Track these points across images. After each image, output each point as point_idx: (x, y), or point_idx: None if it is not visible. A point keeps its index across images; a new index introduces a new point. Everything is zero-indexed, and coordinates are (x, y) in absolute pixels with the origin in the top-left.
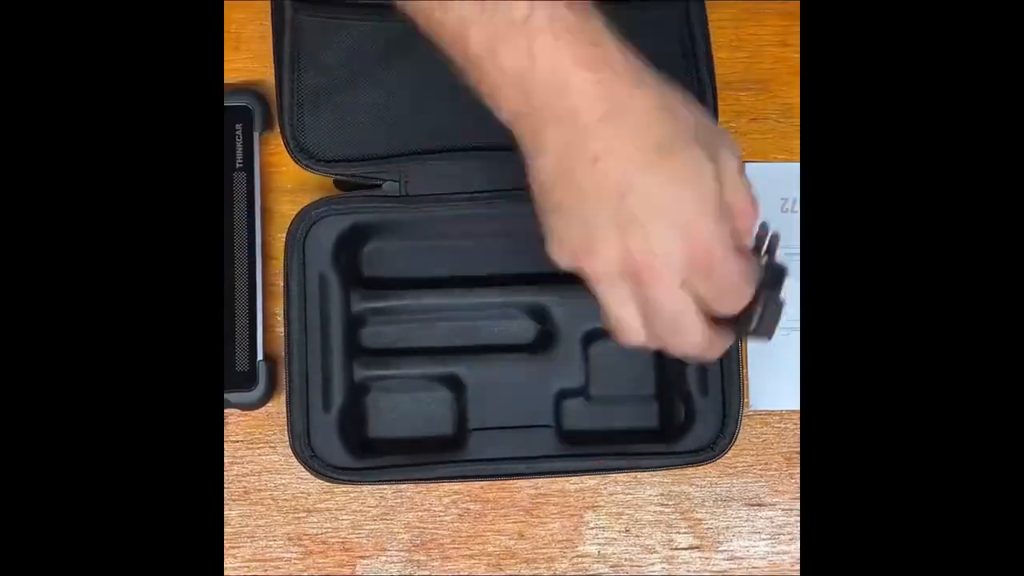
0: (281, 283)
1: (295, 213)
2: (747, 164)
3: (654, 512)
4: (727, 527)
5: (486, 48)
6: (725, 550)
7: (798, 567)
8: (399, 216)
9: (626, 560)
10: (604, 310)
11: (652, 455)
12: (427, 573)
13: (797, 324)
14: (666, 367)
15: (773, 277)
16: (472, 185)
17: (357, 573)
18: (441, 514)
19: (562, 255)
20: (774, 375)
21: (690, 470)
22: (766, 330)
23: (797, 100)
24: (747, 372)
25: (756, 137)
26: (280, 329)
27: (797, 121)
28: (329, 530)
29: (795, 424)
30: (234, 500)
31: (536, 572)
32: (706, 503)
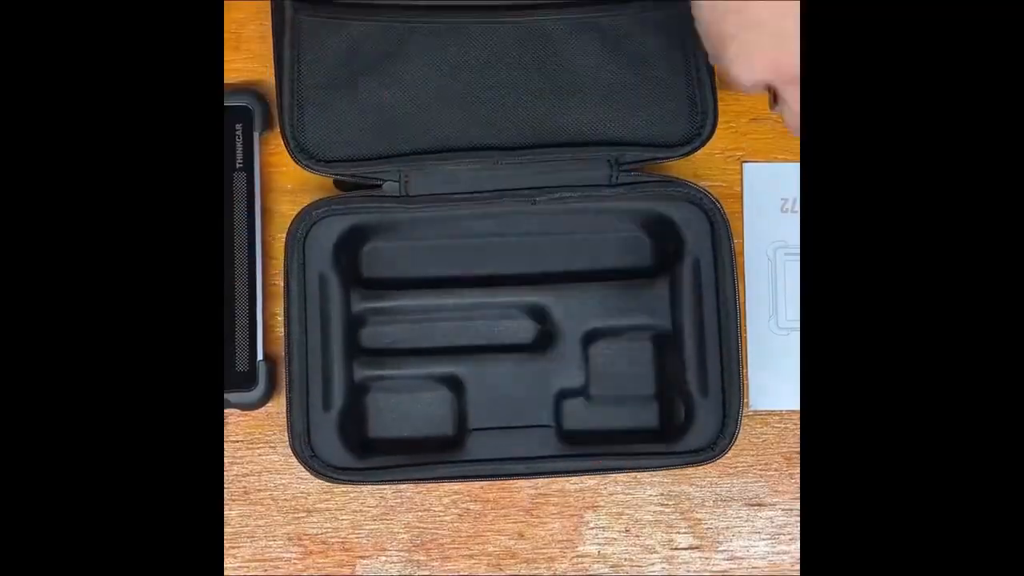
0: (281, 283)
1: (295, 213)
2: (747, 164)
3: (654, 512)
4: (727, 527)
5: None
6: (725, 550)
7: (798, 567)
8: (399, 216)
9: (626, 560)
10: (794, 108)
11: (652, 455)
12: (427, 573)
13: (797, 324)
14: (666, 366)
15: None
16: (472, 185)
17: (357, 573)
18: (441, 514)
19: (756, 67)
20: (774, 375)
21: (690, 470)
22: None
23: None
24: (747, 372)
25: (756, 137)
26: (280, 329)
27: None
28: (329, 530)
29: (795, 424)
30: (234, 500)
31: (536, 572)
32: (706, 503)
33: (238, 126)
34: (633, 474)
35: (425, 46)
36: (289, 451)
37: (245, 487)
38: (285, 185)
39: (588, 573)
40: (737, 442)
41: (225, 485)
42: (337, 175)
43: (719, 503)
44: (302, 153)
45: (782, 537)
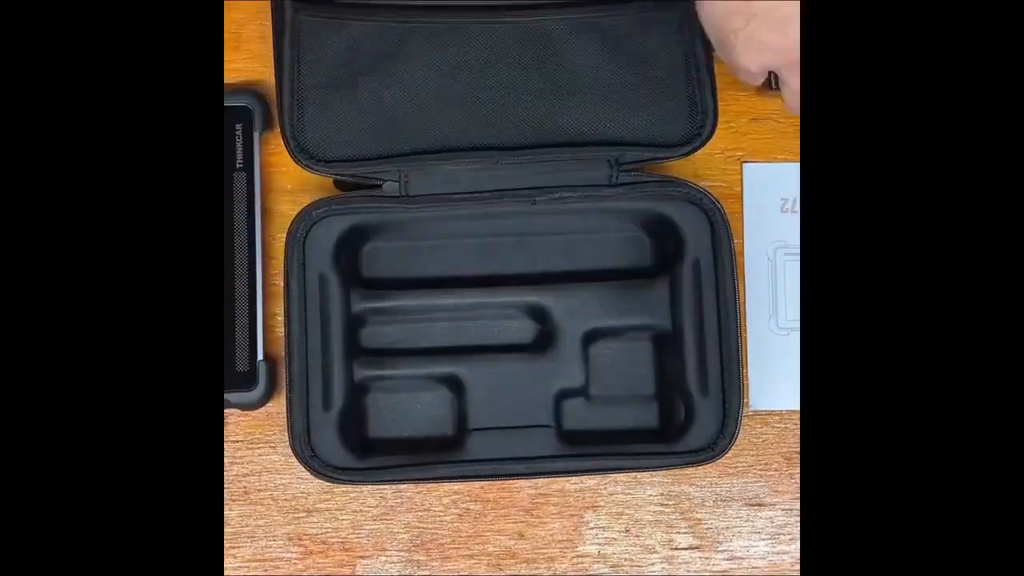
0: (281, 283)
1: (295, 213)
2: (747, 164)
3: (654, 512)
4: (727, 527)
5: None
6: (725, 550)
7: (798, 567)
8: (399, 216)
9: (626, 560)
10: (794, 87)
11: (652, 455)
12: (427, 573)
13: (797, 324)
14: (666, 366)
15: None
16: (472, 185)
17: (357, 573)
18: (441, 514)
19: (763, 55)
20: (774, 375)
21: (690, 470)
22: None
23: None
24: (747, 372)
25: (756, 137)
26: (280, 329)
27: (797, 121)
28: (329, 530)
29: (795, 424)
30: (234, 500)
31: (536, 572)
32: (706, 503)
33: (238, 126)
34: (633, 474)
35: (425, 46)
36: (289, 451)
37: (245, 487)
38: (285, 185)
39: (588, 573)
40: (737, 442)
41: (225, 485)
42: (337, 175)
43: (719, 503)
44: (302, 153)
45: (782, 537)
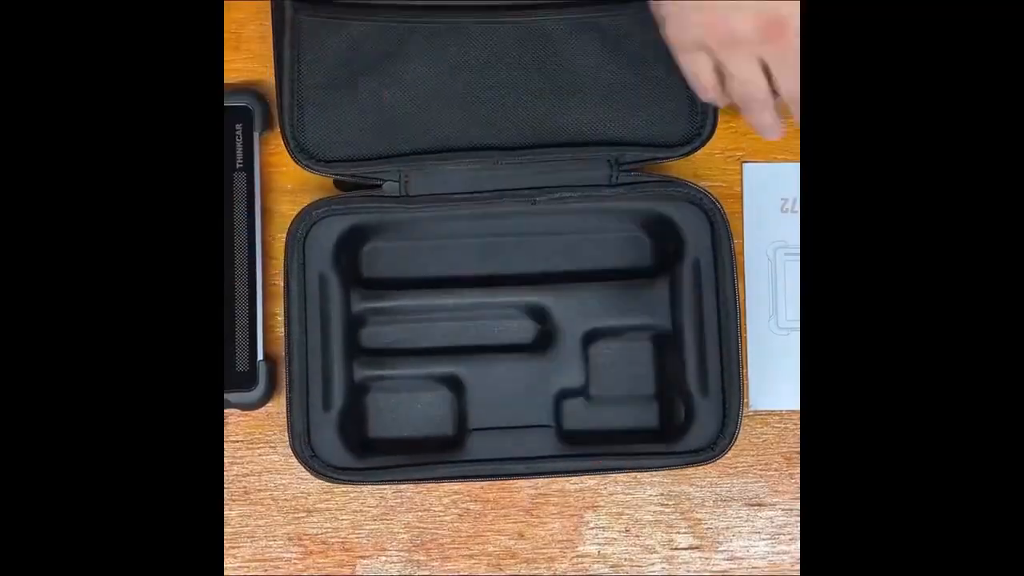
0: (281, 283)
1: (295, 213)
2: (747, 164)
3: (654, 512)
4: (727, 527)
5: None
6: (725, 550)
7: (798, 567)
8: (399, 216)
9: (626, 560)
10: (739, 76)
11: (652, 455)
12: (427, 573)
13: (797, 324)
14: (666, 366)
15: None
16: (472, 185)
17: (357, 573)
18: (441, 514)
19: (691, 29)
20: (774, 375)
21: (690, 470)
22: None
23: None
24: (747, 372)
25: (756, 137)
26: (280, 329)
27: (797, 121)
28: (329, 530)
29: (795, 424)
30: (234, 500)
31: (536, 572)
32: (706, 503)
33: (238, 126)
34: (633, 474)
35: (425, 46)
36: (289, 451)
37: (245, 487)
38: (285, 185)
39: (588, 573)
40: (737, 442)
41: (225, 485)
42: (337, 175)
43: (719, 503)
44: (302, 153)
45: (782, 537)
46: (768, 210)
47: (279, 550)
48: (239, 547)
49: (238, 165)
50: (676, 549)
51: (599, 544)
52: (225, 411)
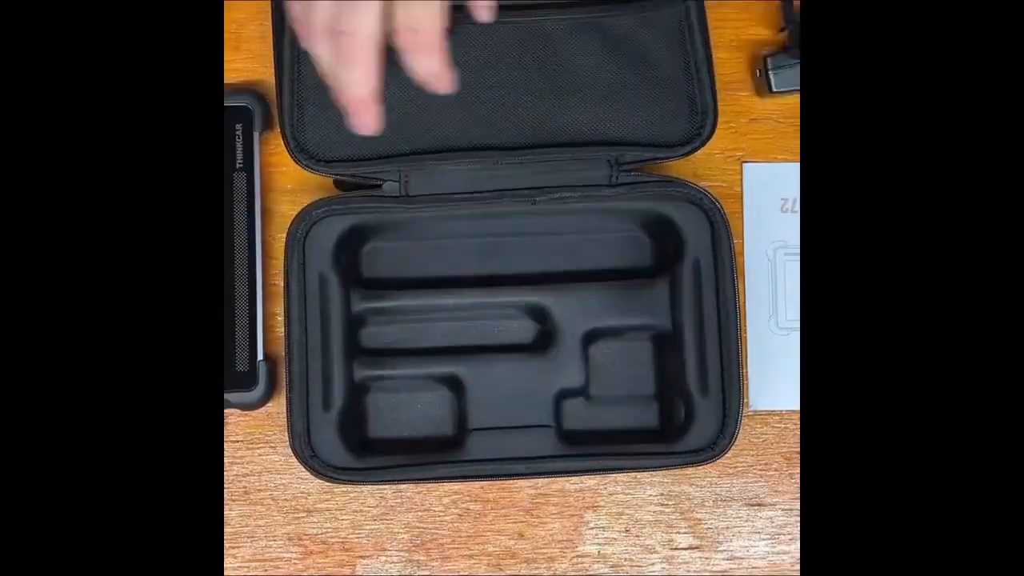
0: (281, 283)
1: (295, 213)
2: (747, 164)
3: (654, 512)
4: (727, 527)
5: None
6: (725, 550)
7: (798, 567)
8: (399, 216)
9: (626, 560)
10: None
11: (652, 455)
12: (427, 573)
13: (797, 324)
14: (666, 366)
15: None
16: (472, 185)
17: (357, 573)
18: (441, 514)
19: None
20: (774, 375)
21: (690, 470)
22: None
23: (797, 100)
24: (747, 372)
25: (756, 137)
26: (280, 329)
27: (797, 121)
28: (329, 530)
29: (795, 424)
30: (234, 500)
31: (536, 572)
32: (706, 503)
33: (238, 126)
34: (633, 474)
35: None
36: (289, 451)
37: (245, 487)
38: (285, 185)
39: (588, 573)
40: (737, 442)
41: (225, 485)
42: (337, 175)
43: (719, 503)
44: (302, 153)
45: (782, 537)
46: (768, 210)
47: (279, 550)
48: (239, 547)
49: (238, 165)
50: (676, 549)
51: (599, 544)
52: (225, 411)
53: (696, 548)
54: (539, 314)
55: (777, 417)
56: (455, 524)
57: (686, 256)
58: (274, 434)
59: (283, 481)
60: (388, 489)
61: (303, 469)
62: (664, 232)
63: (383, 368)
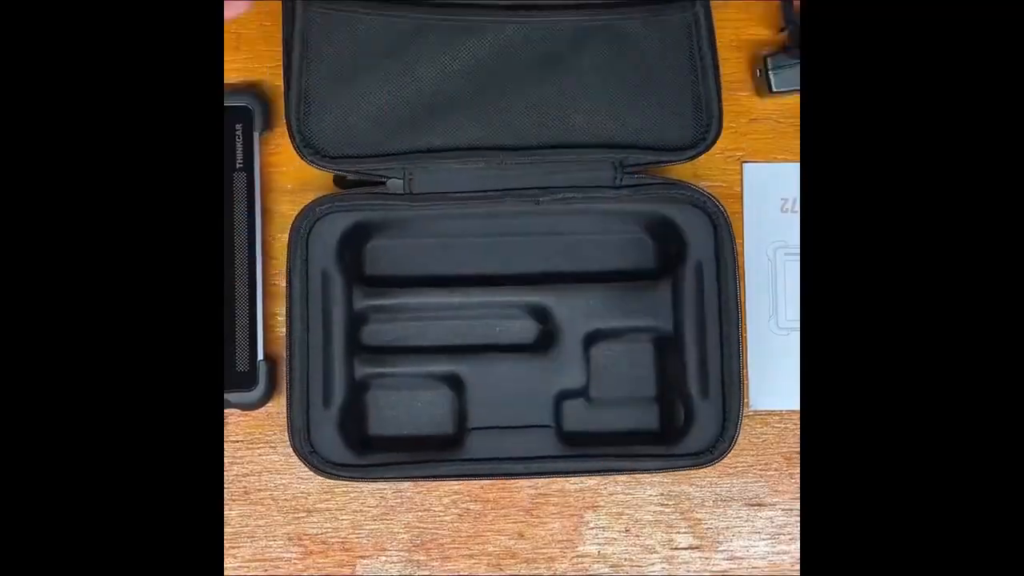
0: (282, 283)
1: (295, 213)
2: (747, 164)
3: (654, 512)
4: (727, 527)
5: None
6: (725, 550)
7: (798, 567)
8: (403, 214)
9: (626, 560)
10: None
11: (651, 457)
12: (427, 573)
13: (797, 324)
14: (667, 369)
15: None
16: (476, 184)
17: (357, 573)
18: (441, 514)
19: None
20: (774, 375)
21: (690, 470)
22: None
23: (797, 100)
24: (747, 372)
25: (756, 137)
26: (280, 330)
27: (797, 121)
28: (329, 530)
29: (795, 424)
30: (234, 500)
31: (536, 572)
32: (706, 503)
33: (238, 126)
34: (633, 474)
35: (433, 43)
36: (289, 451)
37: (245, 487)
38: (285, 185)
39: (588, 573)
40: (737, 442)
41: (225, 485)
42: (341, 171)
43: (719, 503)
44: (307, 148)
45: (782, 537)
46: (768, 210)
47: (279, 550)
48: (239, 547)
49: (238, 165)
50: (676, 549)
51: (599, 544)
52: (225, 411)
53: (696, 548)
54: (541, 314)
55: (777, 417)
56: (455, 524)
57: (688, 259)
58: (274, 434)
59: (283, 481)
60: (388, 489)
61: (303, 469)
62: (667, 234)
63: (384, 366)
